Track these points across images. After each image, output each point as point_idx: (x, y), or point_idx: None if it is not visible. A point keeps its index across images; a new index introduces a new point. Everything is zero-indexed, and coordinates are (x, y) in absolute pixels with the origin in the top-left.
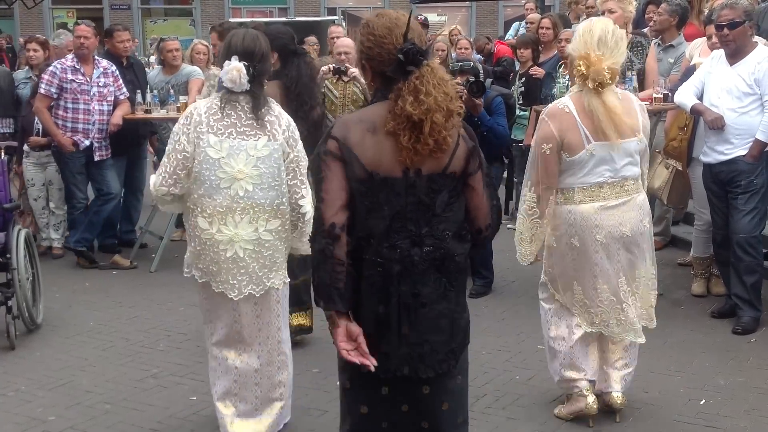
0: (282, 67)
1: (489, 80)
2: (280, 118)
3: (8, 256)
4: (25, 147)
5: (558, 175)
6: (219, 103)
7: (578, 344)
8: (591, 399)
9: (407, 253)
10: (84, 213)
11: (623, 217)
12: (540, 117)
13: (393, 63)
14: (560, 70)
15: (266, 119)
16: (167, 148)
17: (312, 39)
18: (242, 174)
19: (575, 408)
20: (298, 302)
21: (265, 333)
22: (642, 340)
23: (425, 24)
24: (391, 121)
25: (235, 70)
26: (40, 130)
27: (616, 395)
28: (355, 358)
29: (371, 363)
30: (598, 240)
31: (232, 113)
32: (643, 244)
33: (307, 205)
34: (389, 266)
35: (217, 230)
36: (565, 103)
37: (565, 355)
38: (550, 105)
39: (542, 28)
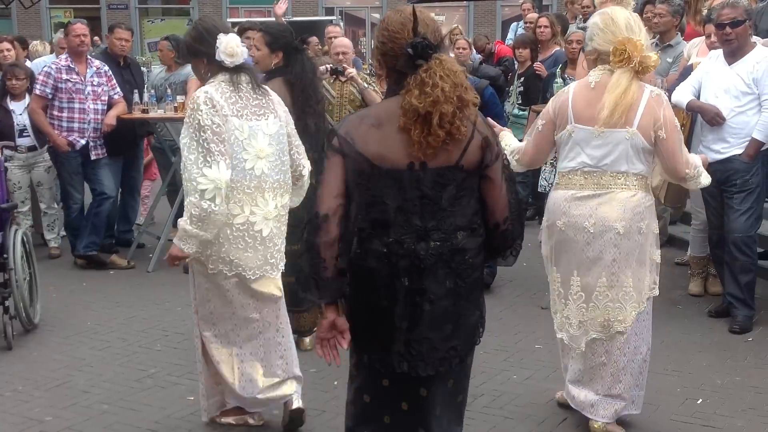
0: (285, 65)
1: (477, 57)
2: (275, 95)
3: (5, 256)
4: (7, 151)
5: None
6: (231, 87)
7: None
8: None
9: (413, 248)
10: (80, 216)
11: (594, 210)
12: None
13: (403, 57)
14: (558, 70)
15: (269, 97)
16: (204, 139)
17: (314, 39)
18: (263, 153)
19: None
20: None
21: (270, 318)
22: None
23: None
24: (402, 117)
25: (232, 41)
26: (28, 129)
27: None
28: (321, 350)
29: (335, 358)
30: (558, 226)
31: (242, 95)
32: (620, 251)
33: (307, 168)
34: (396, 260)
35: (250, 212)
36: (569, 87)
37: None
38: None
39: (540, 27)
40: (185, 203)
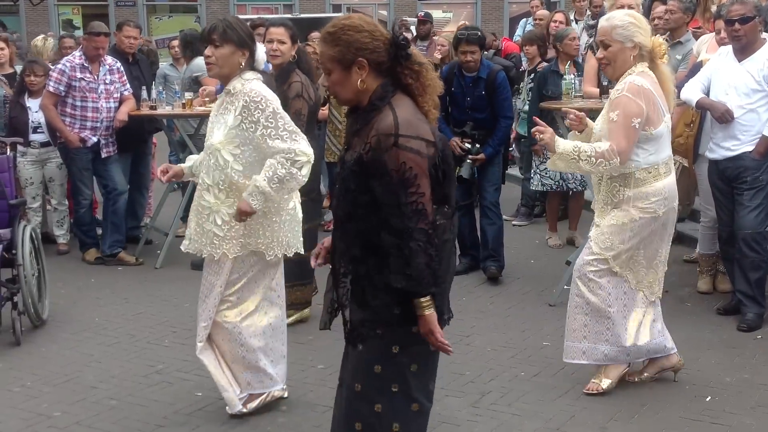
0: (298, 57)
1: (491, 51)
2: None
3: (14, 252)
4: (20, 147)
5: (636, 154)
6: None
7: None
8: None
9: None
10: (89, 212)
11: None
12: (620, 95)
13: (389, 53)
14: (568, 67)
15: None
16: (282, 123)
17: (316, 35)
18: None
19: (624, 366)
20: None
21: None
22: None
23: (426, 20)
24: (434, 95)
25: (263, 52)
26: (43, 125)
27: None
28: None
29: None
30: (674, 207)
31: None
32: None
33: None
34: (454, 226)
35: (295, 197)
36: (640, 82)
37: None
38: (626, 87)
39: (555, 21)
40: (266, 166)
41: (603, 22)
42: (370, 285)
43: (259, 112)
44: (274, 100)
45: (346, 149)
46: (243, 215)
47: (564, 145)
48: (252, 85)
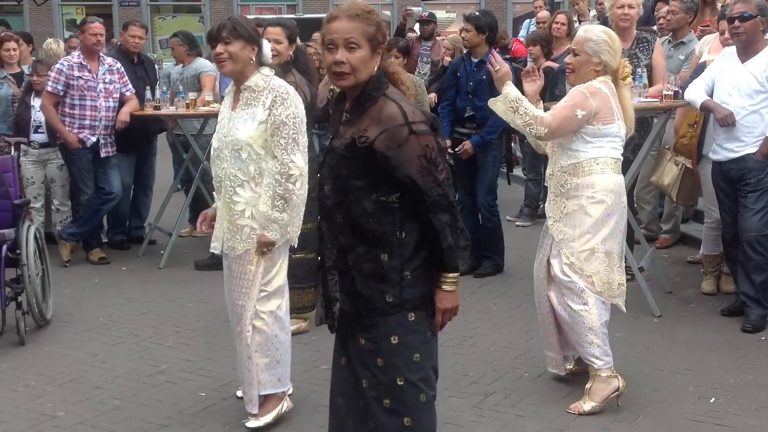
0: (295, 58)
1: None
2: None
3: (18, 252)
4: (23, 146)
5: (584, 146)
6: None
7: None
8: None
9: None
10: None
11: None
12: (578, 89)
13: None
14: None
15: None
16: (293, 131)
17: (319, 35)
18: None
19: (611, 388)
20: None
21: None
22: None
23: (430, 20)
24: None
25: (269, 48)
26: (44, 125)
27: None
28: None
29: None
30: (623, 203)
31: None
32: None
33: None
34: None
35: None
36: (599, 85)
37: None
38: (584, 86)
39: (557, 23)
40: (264, 189)
41: (581, 32)
42: (359, 274)
43: (282, 108)
44: (294, 105)
45: (332, 138)
46: (265, 246)
47: (511, 90)
48: (278, 81)
